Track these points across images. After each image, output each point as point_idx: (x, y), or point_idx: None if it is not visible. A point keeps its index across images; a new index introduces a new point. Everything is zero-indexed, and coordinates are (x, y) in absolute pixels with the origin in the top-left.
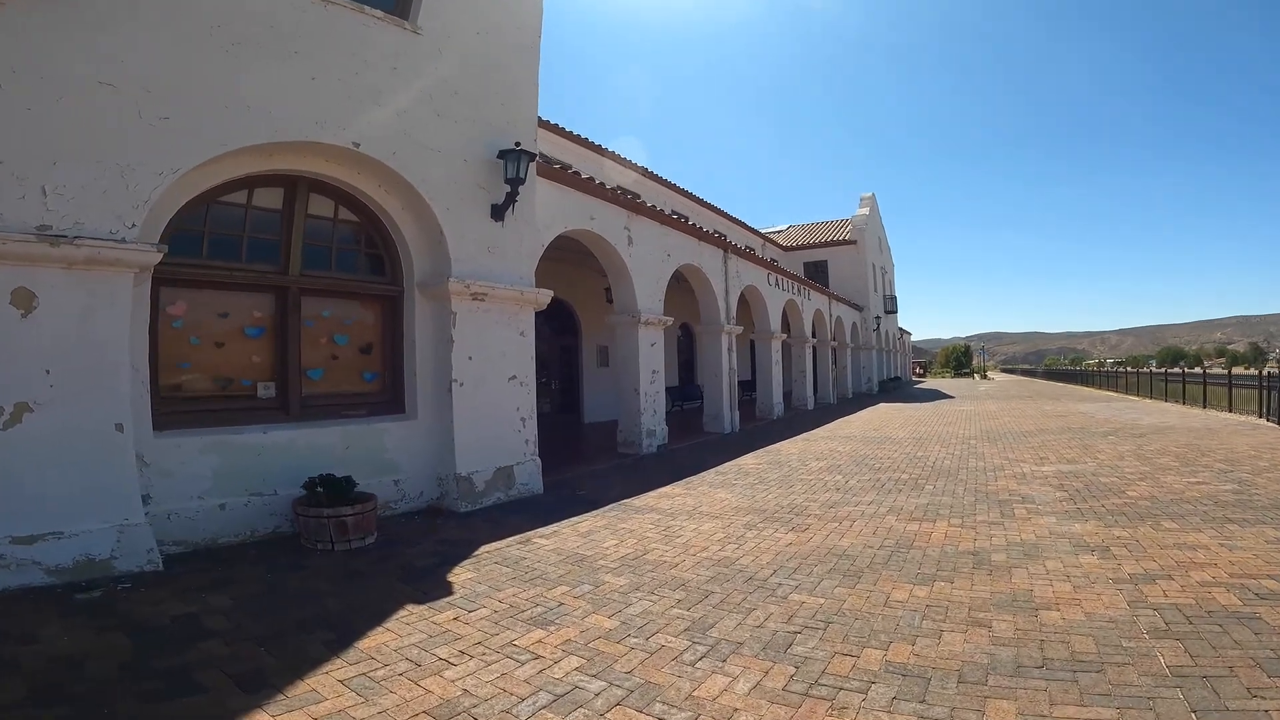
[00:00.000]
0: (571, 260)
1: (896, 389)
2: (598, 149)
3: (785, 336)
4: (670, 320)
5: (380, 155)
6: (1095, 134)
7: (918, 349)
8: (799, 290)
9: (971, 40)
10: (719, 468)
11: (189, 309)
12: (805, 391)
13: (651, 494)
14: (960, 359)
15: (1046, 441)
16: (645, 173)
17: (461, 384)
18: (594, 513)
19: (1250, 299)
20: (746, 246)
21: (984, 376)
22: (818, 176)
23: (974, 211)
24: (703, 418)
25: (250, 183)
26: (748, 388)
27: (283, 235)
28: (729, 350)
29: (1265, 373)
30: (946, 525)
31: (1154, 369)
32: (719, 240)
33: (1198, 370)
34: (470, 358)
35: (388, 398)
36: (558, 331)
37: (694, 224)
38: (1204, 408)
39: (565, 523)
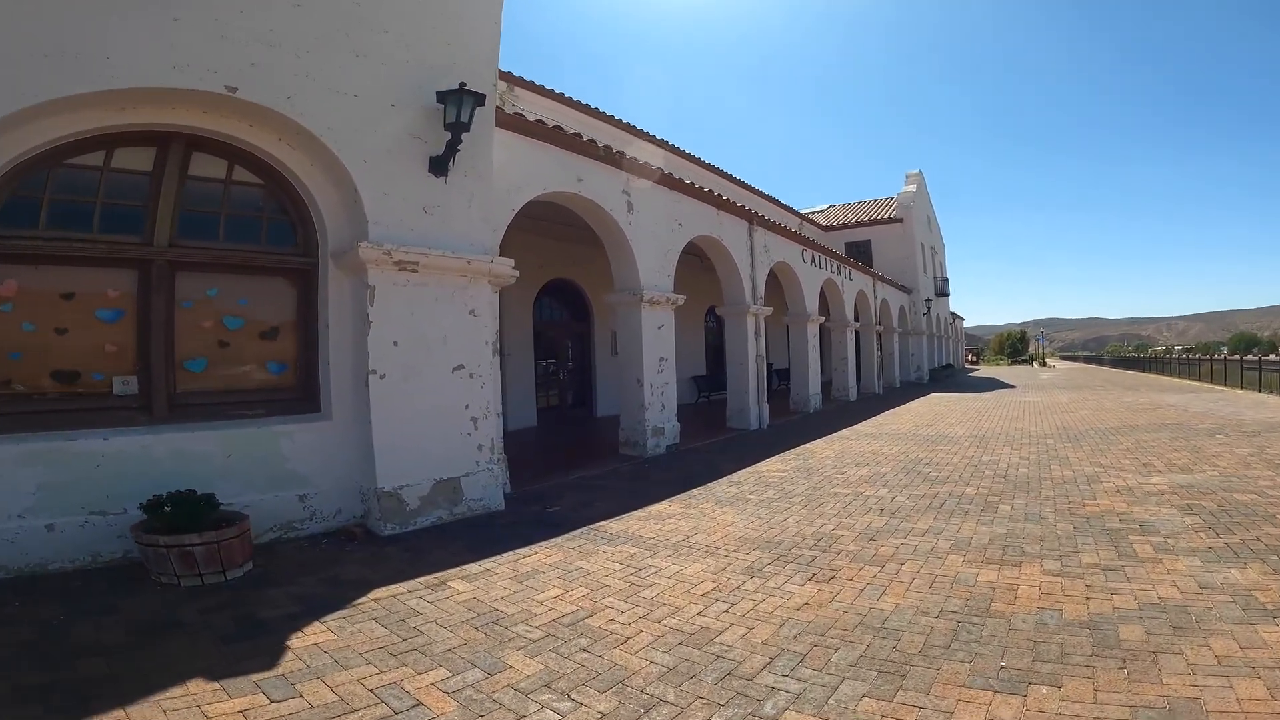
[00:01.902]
0: (583, 238)
1: (949, 378)
2: (627, 126)
3: (823, 320)
4: (681, 299)
5: (270, 101)
6: (1158, 110)
7: (970, 336)
8: (839, 269)
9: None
10: (734, 476)
11: (21, 289)
12: (847, 381)
13: (639, 514)
14: (1016, 345)
15: (1142, 442)
16: (675, 150)
17: (383, 376)
18: (553, 541)
19: None
20: (784, 225)
21: (1043, 364)
22: (862, 161)
23: (1028, 192)
24: (726, 411)
25: (109, 141)
26: (784, 376)
27: (150, 200)
28: (756, 335)
29: None
30: (1039, 572)
31: (1230, 357)
32: (742, 210)
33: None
34: (395, 343)
35: (299, 394)
36: (571, 317)
37: (713, 191)
38: None
39: (507, 555)
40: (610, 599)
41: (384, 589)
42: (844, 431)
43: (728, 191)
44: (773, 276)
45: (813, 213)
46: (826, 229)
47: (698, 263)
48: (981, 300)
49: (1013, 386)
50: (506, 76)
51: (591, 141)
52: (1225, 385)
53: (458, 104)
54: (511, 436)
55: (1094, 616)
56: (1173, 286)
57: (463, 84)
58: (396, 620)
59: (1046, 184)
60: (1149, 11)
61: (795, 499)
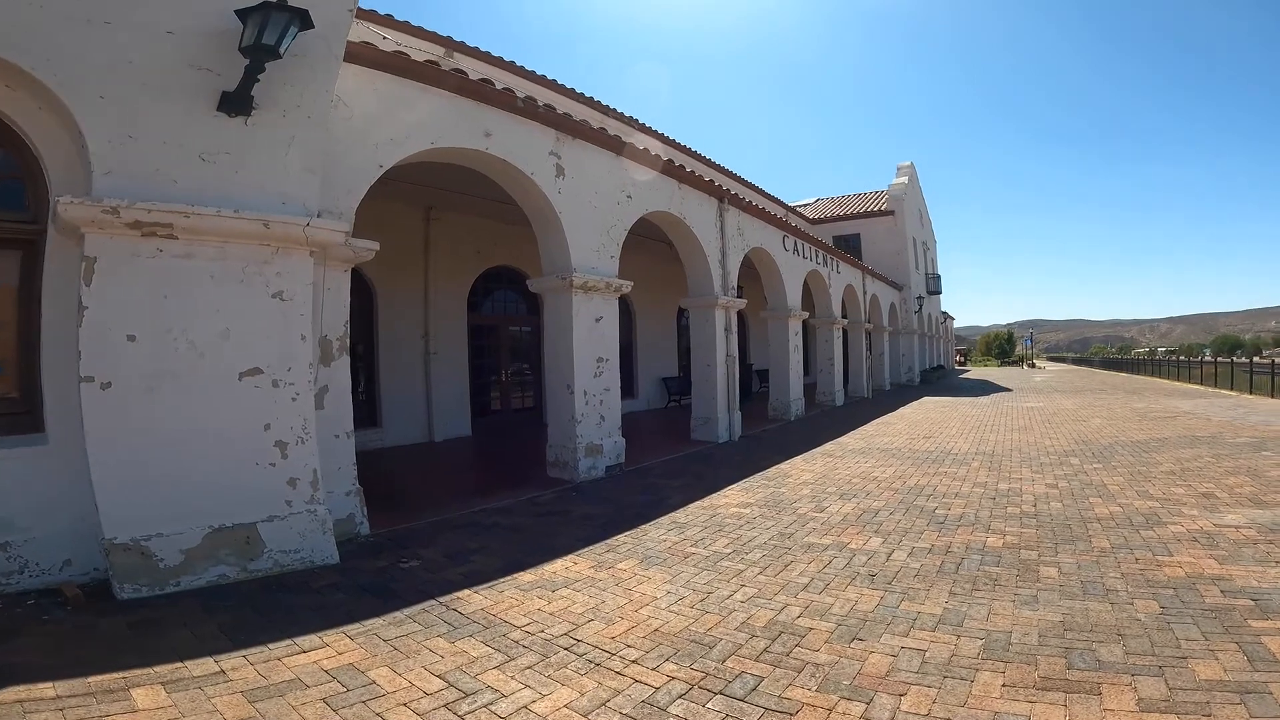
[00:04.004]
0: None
1: (941, 380)
2: (622, 116)
3: (807, 316)
4: (627, 285)
5: None
6: (1142, 118)
7: (957, 336)
8: (825, 260)
9: (1018, 13)
10: (680, 513)
11: None
12: (833, 383)
13: (526, 576)
14: (1004, 347)
15: (1184, 462)
16: (637, 124)
17: (106, 385)
18: (369, 623)
19: None
20: (762, 208)
21: (1033, 366)
22: (847, 164)
23: (1011, 196)
24: (690, 421)
25: None
26: (767, 378)
27: None
28: (726, 331)
29: None
30: (1135, 708)
31: (1221, 359)
32: (711, 185)
33: None
34: (131, 338)
35: (19, 408)
36: (527, 310)
37: (673, 161)
38: None
39: (280, 646)
40: None
41: (23, 689)
42: (828, 446)
43: (701, 172)
44: (752, 267)
45: (800, 205)
46: (814, 221)
47: (669, 249)
48: (967, 300)
49: (1009, 390)
50: (446, 41)
51: (508, 91)
52: (1232, 389)
53: (260, 23)
54: (422, 453)
55: None
56: (1155, 289)
57: None
58: None
59: (1032, 185)
60: (1143, 10)
61: (753, 554)
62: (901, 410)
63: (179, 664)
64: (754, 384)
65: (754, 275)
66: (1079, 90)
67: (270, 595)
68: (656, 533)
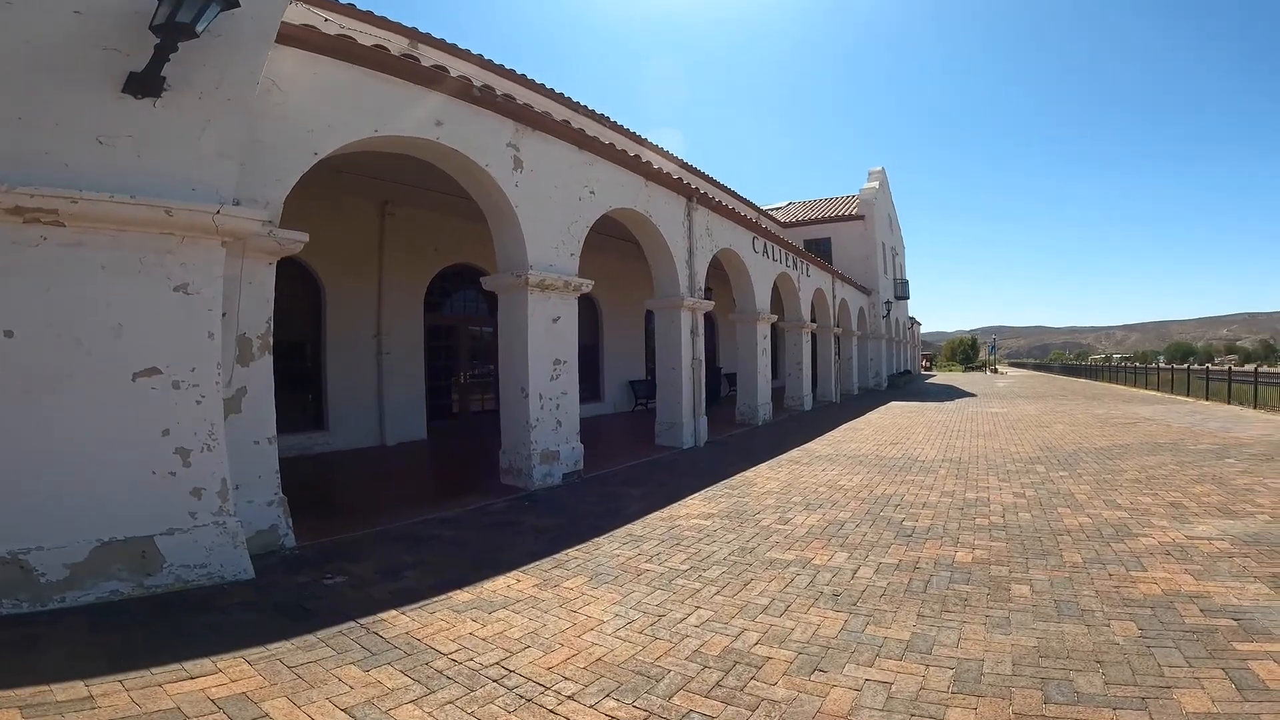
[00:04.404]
0: None
1: (908, 385)
2: (593, 113)
3: (776, 319)
4: (587, 284)
5: None
6: (1099, 133)
7: (924, 342)
8: (795, 263)
9: (978, 27)
10: (637, 525)
11: None
12: (801, 388)
13: (463, 595)
14: (968, 352)
15: (1149, 470)
16: (598, 116)
17: None
18: (275, 646)
19: (1257, 296)
20: (732, 208)
21: (996, 371)
22: (821, 171)
23: (975, 201)
24: (655, 426)
25: None
26: (735, 381)
27: None
28: (693, 333)
29: None
30: None
31: (1179, 365)
32: (679, 184)
33: (1247, 367)
34: (9, 333)
35: None
36: (490, 310)
37: (640, 157)
38: None
39: (165, 671)
40: None
41: None
42: (794, 453)
43: (670, 170)
44: (722, 269)
45: (772, 208)
46: (785, 225)
47: (638, 249)
48: (932, 306)
49: (974, 395)
50: (411, 32)
51: (464, 79)
52: (1189, 395)
53: (174, 1)
54: (372, 457)
55: None
56: (1111, 297)
57: None
58: None
59: (995, 193)
60: (1094, 27)
61: (712, 571)
62: (869, 415)
63: (44, 687)
64: (722, 387)
65: (724, 277)
66: (1043, 99)
67: (168, 614)
68: (610, 546)
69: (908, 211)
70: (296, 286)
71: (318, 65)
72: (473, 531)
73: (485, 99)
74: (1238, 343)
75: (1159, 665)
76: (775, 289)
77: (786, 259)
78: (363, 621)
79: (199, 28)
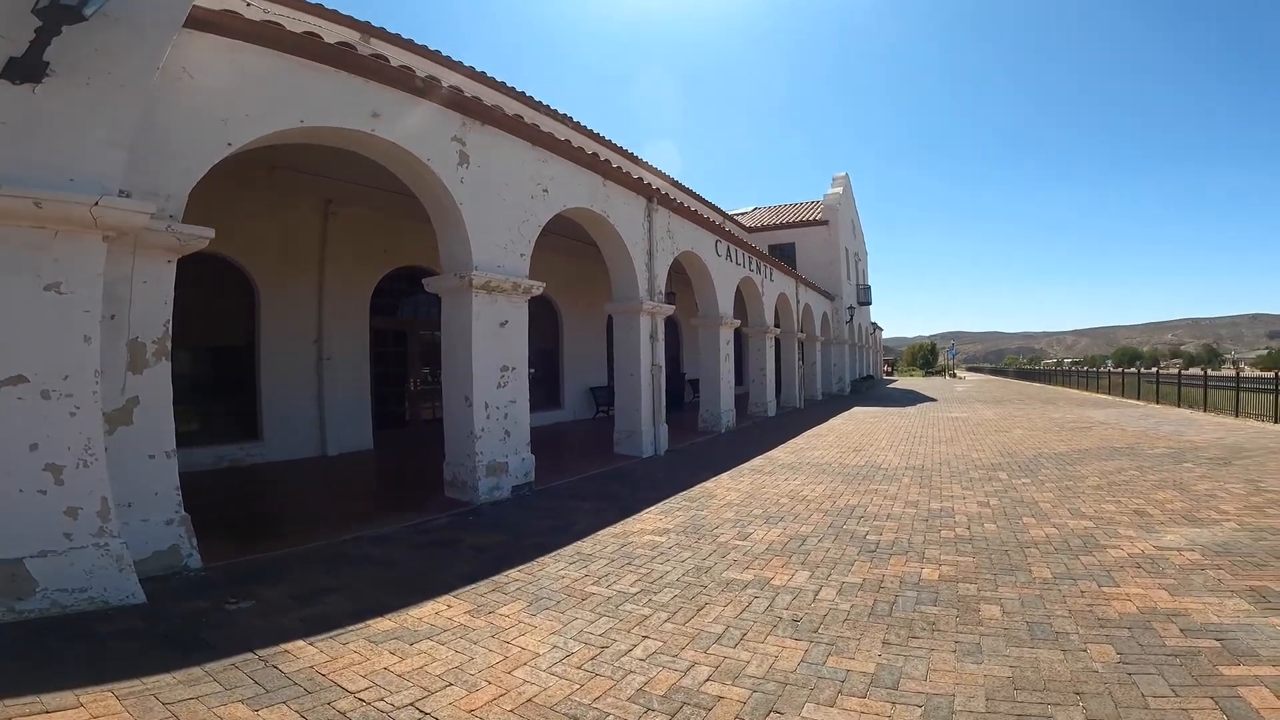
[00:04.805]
0: None
1: (870, 390)
2: (556, 114)
3: (739, 324)
4: (539, 286)
5: None
6: (1044, 148)
7: (885, 347)
8: (759, 267)
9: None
10: (587, 542)
11: None
12: (765, 394)
13: (386, 621)
14: (928, 357)
15: (1108, 475)
16: (556, 114)
17: None
18: (156, 679)
19: (1200, 302)
20: (694, 210)
21: (954, 376)
22: (780, 180)
23: (933, 209)
24: (614, 434)
25: None
26: (699, 387)
27: None
28: (652, 338)
29: None
30: None
31: (1128, 369)
32: (639, 184)
33: (1194, 371)
34: None
35: None
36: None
37: (598, 155)
38: (1237, 416)
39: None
40: None
41: None
42: (757, 461)
43: (630, 170)
44: (685, 273)
45: (738, 213)
46: (750, 230)
47: (599, 251)
48: (892, 312)
49: (934, 400)
50: (364, 26)
51: (405, 69)
52: (1139, 399)
53: None
54: (309, 469)
55: None
56: (1062, 303)
57: None
58: None
59: (951, 202)
60: (1044, 43)
61: (663, 595)
62: (832, 421)
63: None
64: (686, 393)
65: (688, 281)
66: (996, 112)
67: (40, 641)
68: (555, 567)
69: (869, 217)
70: (228, 289)
71: (237, 52)
72: (406, 550)
73: (429, 90)
74: (1182, 347)
75: (1143, 695)
76: (739, 293)
77: (750, 263)
78: (262, 653)
79: (87, 11)
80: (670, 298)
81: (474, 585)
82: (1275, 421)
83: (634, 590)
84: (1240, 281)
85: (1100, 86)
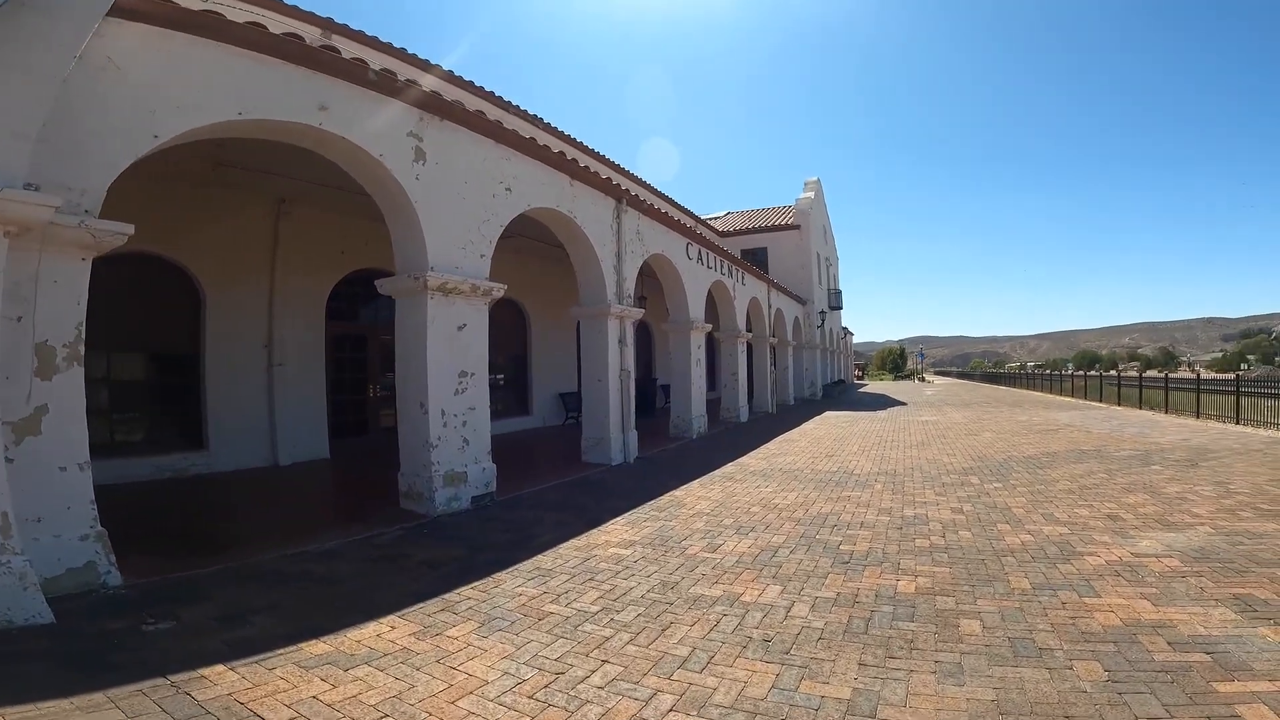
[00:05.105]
0: None
1: (842, 394)
2: (527, 115)
3: (710, 328)
4: (500, 289)
5: None
6: (1007, 154)
7: (856, 351)
8: (731, 271)
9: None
10: (547, 556)
11: None
12: (737, 399)
13: (319, 645)
14: (897, 362)
15: (1078, 479)
16: (521, 112)
17: None
18: (23, 711)
19: (1156, 306)
20: (665, 212)
21: (923, 380)
22: (740, 191)
23: (900, 218)
24: (581, 441)
25: None
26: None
27: None
28: (621, 343)
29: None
30: None
31: (1090, 372)
32: (608, 184)
33: (1153, 373)
34: None
35: None
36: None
37: (564, 154)
38: (1198, 417)
39: None
40: None
41: None
42: (728, 468)
43: (599, 170)
44: (650, 274)
45: (711, 218)
46: (723, 234)
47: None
48: (862, 317)
49: (904, 404)
50: (326, 22)
51: (358, 61)
52: (1101, 401)
53: None
54: (259, 479)
55: None
56: (1025, 308)
57: None
58: None
59: (917, 209)
60: (1006, 50)
61: (627, 613)
62: (804, 426)
63: None
64: (658, 399)
65: (660, 285)
66: (963, 121)
67: None
68: (512, 583)
69: (839, 222)
70: (171, 292)
71: (170, 42)
72: (353, 566)
73: (384, 84)
74: (1139, 350)
75: (1135, 718)
76: (711, 298)
77: (722, 266)
78: (176, 678)
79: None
80: (641, 302)
81: (422, 604)
82: (1236, 422)
83: (595, 609)
84: (1194, 286)
85: (1070, 94)
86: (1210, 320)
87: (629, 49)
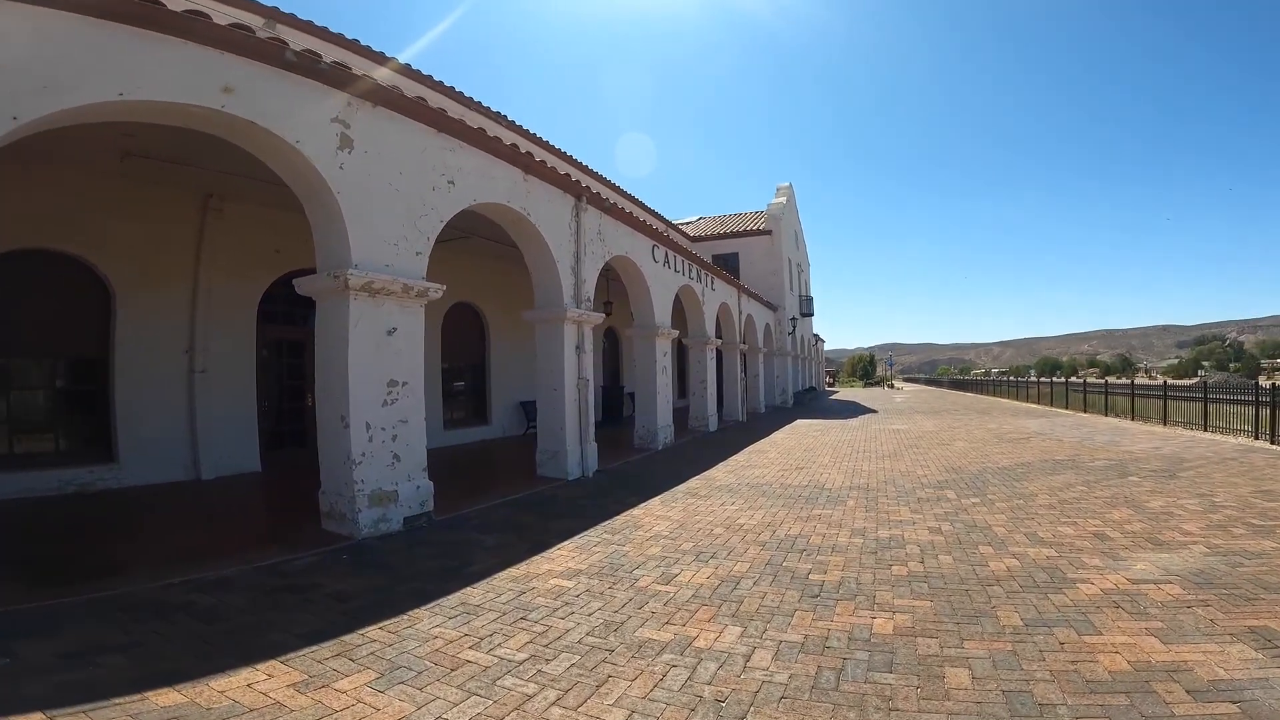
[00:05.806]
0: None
1: (813, 401)
2: (482, 107)
3: (677, 334)
4: (439, 289)
5: None
6: (966, 165)
7: (827, 358)
8: (699, 275)
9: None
10: (478, 588)
11: None
12: (706, 408)
13: (170, 694)
14: (867, 369)
15: (1059, 494)
16: (525, 133)
17: None
18: None
19: (1114, 314)
20: (629, 213)
21: (893, 387)
22: (714, 198)
23: (871, 223)
24: (536, 454)
25: None
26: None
27: None
28: (578, 349)
29: (1262, 385)
30: None
31: (1056, 379)
32: (566, 180)
33: (1123, 380)
34: None
35: None
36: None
37: (518, 147)
38: (1165, 425)
39: None
40: None
41: None
42: (694, 482)
43: (557, 165)
44: (614, 276)
45: (683, 222)
46: (695, 239)
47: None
48: (833, 324)
49: (875, 411)
50: (271, 12)
51: (276, 41)
52: (1068, 408)
53: None
54: (172, 495)
55: None
56: (989, 316)
57: None
58: None
59: (883, 218)
60: (970, 64)
61: (557, 664)
62: (774, 436)
63: None
64: (626, 407)
65: (621, 290)
66: (923, 129)
67: None
68: (430, 623)
69: (811, 233)
70: (78, 292)
71: (36, 19)
72: (246, 598)
73: (304, 66)
74: (1098, 357)
75: None
76: (678, 302)
77: (691, 271)
78: None
79: None
80: (607, 307)
81: (315, 647)
82: (1205, 429)
83: (521, 657)
84: (1151, 294)
85: (1026, 103)
86: (1166, 328)
87: (602, 50)
